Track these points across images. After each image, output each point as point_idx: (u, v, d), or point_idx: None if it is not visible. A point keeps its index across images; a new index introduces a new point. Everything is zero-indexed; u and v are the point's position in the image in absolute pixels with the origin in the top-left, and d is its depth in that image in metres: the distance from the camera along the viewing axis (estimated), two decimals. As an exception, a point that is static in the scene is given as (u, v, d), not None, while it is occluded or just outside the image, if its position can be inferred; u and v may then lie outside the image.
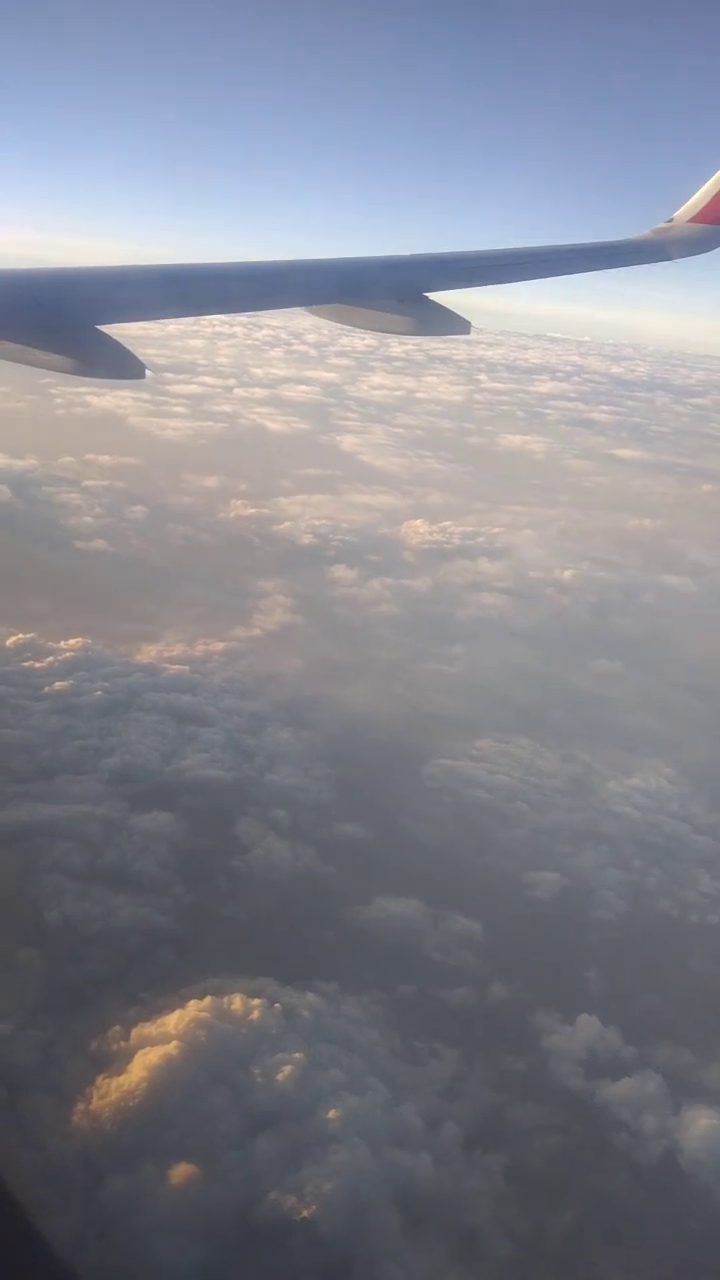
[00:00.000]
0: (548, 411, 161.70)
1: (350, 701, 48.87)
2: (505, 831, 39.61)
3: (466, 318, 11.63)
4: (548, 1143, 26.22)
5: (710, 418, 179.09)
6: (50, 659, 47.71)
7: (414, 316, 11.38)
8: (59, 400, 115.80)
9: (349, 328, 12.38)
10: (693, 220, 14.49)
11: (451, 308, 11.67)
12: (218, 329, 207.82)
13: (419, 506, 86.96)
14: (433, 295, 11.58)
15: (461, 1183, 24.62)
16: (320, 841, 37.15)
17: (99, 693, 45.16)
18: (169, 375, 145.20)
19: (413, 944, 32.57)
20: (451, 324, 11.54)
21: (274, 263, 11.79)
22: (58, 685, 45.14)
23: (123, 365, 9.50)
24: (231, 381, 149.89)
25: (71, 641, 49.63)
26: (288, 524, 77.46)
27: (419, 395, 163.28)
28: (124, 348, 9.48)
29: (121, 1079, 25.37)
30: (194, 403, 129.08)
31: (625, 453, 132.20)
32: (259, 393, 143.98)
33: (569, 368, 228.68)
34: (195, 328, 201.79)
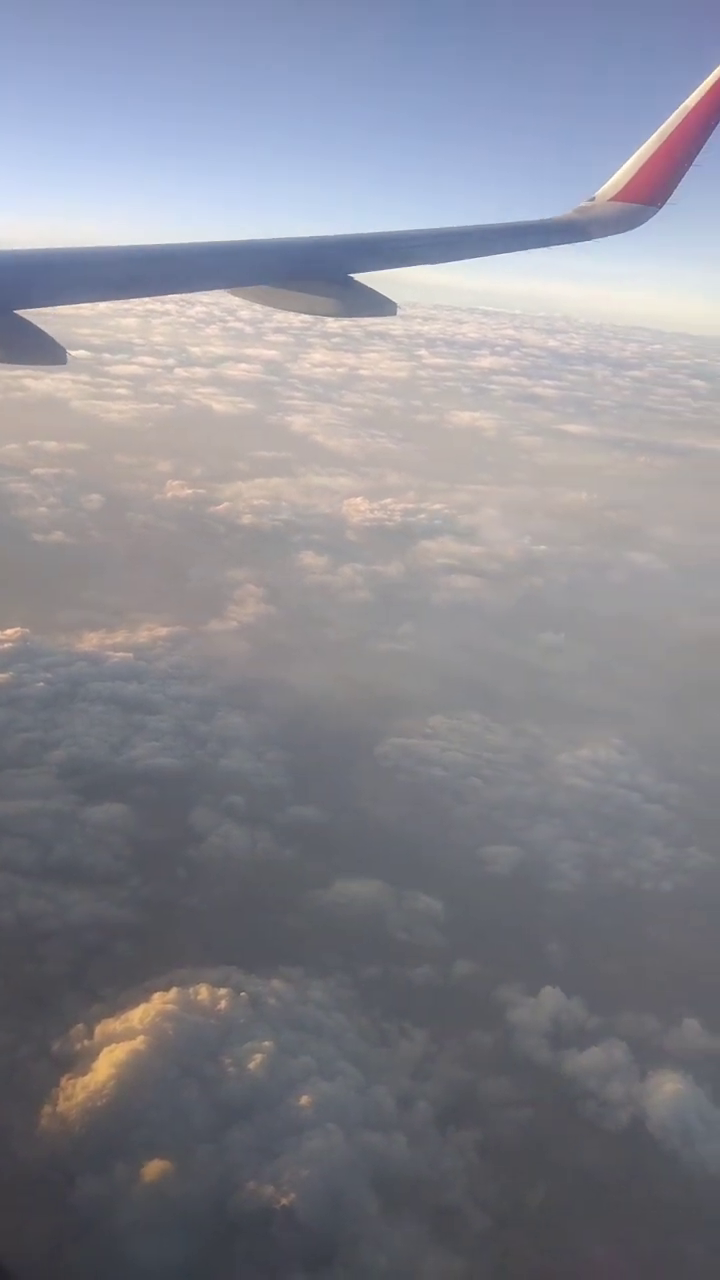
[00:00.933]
0: (492, 387, 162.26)
1: (300, 684, 48.50)
2: (461, 808, 39.73)
3: (396, 291, 11.54)
4: (518, 1116, 26.41)
5: (649, 390, 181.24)
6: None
7: (339, 298, 11.24)
8: None
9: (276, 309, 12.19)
10: (614, 199, 14.64)
11: (380, 282, 11.55)
12: (149, 306, 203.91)
13: (378, 488, 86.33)
14: (358, 276, 11.41)
15: (436, 1161, 24.69)
16: (277, 826, 36.85)
17: (40, 684, 44.14)
18: (107, 356, 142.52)
19: (375, 924, 32.51)
20: (378, 305, 11.41)
21: (197, 245, 11.49)
22: (-1, 677, 43.97)
23: (43, 352, 9.17)
24: (171, 361, 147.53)
25: (9, 631, 48.37)
26: (249, 509, 76.20)
27: (362, 372, 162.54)
28: (45, 334, 9.13)
29: (88, 1078, 24.87)
30: (136, 384, 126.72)
31: (573, 428, 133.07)
32: (200, 372, 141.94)
33: (507, 342, 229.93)
34: (126, 306, 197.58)
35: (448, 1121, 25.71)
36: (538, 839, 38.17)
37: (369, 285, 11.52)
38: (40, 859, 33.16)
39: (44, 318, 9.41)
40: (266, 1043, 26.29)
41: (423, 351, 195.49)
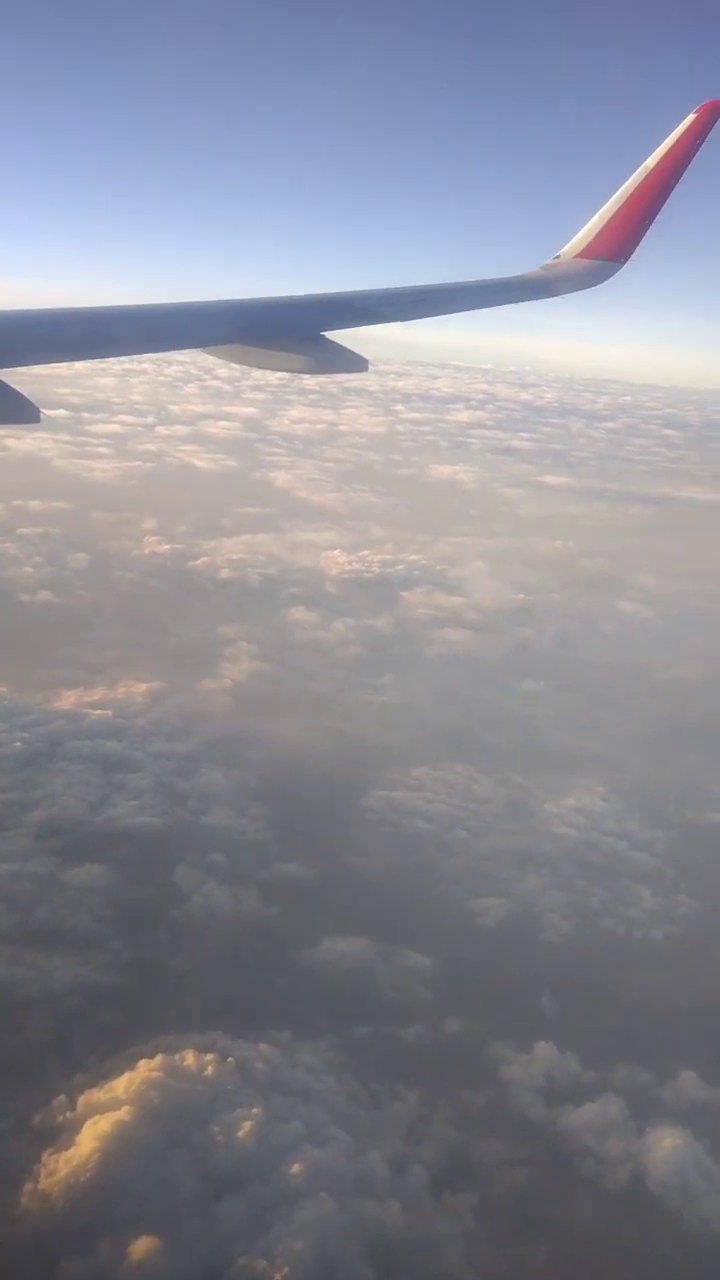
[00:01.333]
0: (470, 440, 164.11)
1: (281, 737, 48.19)
2: (448, 860, 39.32)
3: (367, 348, 11.70)
4: (515, 1177, 25.77)
5: (624, 441, 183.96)
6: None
7: (312, 356, 11.42)
8: None
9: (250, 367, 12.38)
10: (579, 256, 15.02)
11: (352, 339, 11.72)
12: (127, 366, 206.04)
13: (364, 541, 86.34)
14: (330, 334, 11.59)
15: (432, 1227, 23.98)
16: (262, 884, 36.28)
17: (18, 743, 43.57)
18: (86, 415, 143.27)
19: (364, 983, 31.91)
20: (350, 362, 11.59)
21: (170, 305, 11.63)
22: (-26, 739, 43.40)
23: (17, 411, 9.19)
24: (150, 419, 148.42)
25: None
26: (236, 565, 75.83)
27: (341, 428, 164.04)
28: (18, 393, 9.16)
29: (70, 1152, 24.05)
30: (117, 442, 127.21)
31: (552, 479, 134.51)
32: (181, 430, 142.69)
33: (481, 396, 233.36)
34: (103, 365, 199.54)
35: (443, 1186, 25.04)
36: (526, 890, 37.76)
37: (340, 343, 11.67)
38: (20, 923, 32.43)
39: (19, 377, 9.42)
40: (255, 1109, 25.60)
41: (399, 406, 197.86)
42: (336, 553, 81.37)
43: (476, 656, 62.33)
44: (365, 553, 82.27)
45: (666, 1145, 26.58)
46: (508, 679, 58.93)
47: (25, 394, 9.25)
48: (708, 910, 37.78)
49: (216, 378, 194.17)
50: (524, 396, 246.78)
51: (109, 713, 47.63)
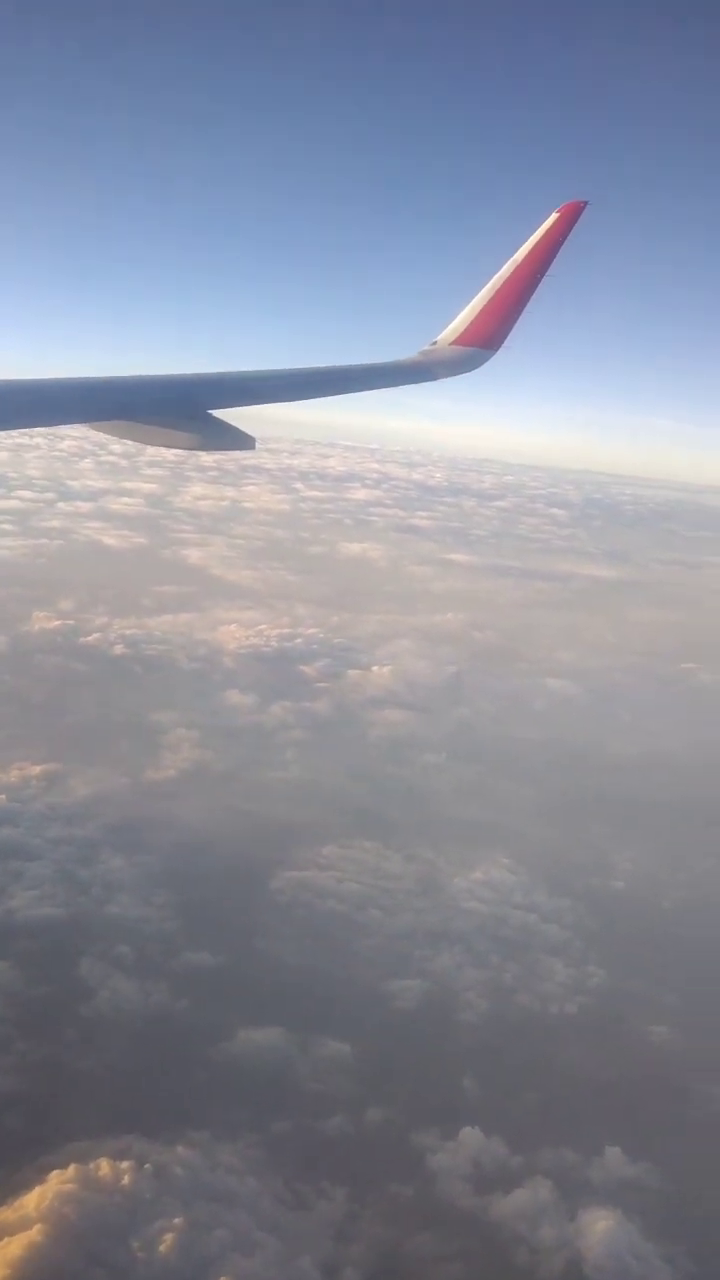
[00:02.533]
0: (372, 519, 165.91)
1: (184, 818, 46.96)
2: (362, 940, 38.75)
3: (253, 425, 11.86)
4: (450, 1272, 25.08)
5: (516, 520, 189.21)
6: None
7: (199, 433, 11.51)
8: None
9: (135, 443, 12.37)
10: (455, 343, 15.75)
11: (238, 417, 11.86)
12: (19, 440, 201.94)
13: (288, 621, 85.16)
14: (216, 412, 11.75)
15: (369, 1335, 22.99)
16: (171, 975, 34.94)
17: None
18: None
19: (282, 1075, 30.91)
20: (237, 440, 11.70)
21: (55, 380, 11.59)
22: None
23: None
24: (50, 495, 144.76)
25: None
26: (163, 647, 73.45)
27: (245, 505, 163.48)
28: None
29: (-22, 1282, 22.18)
30: (19, 519, 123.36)
31: (457, 557, 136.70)
32: (83, 506, 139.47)
33: (375, 475, 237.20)
34: None
35: (377, 1287, 24.09)
36: (441, 968, 37.46)
37: (227, 420, 11.79)
38: None
39: None
40: (177, 1219, 24.30)
41: (298, 485, 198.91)
42: (261, 631, 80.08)
43: (419, 738, 61.79)
44: (289, 631, 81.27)
45: (599, 1229, 26.32)
46: (409, 752, 59.22)
47: None
48: (616, 980, 38.21)
49: (111, 453, 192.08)
50: (415, 476, 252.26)
51: (2, 797, 45.57)
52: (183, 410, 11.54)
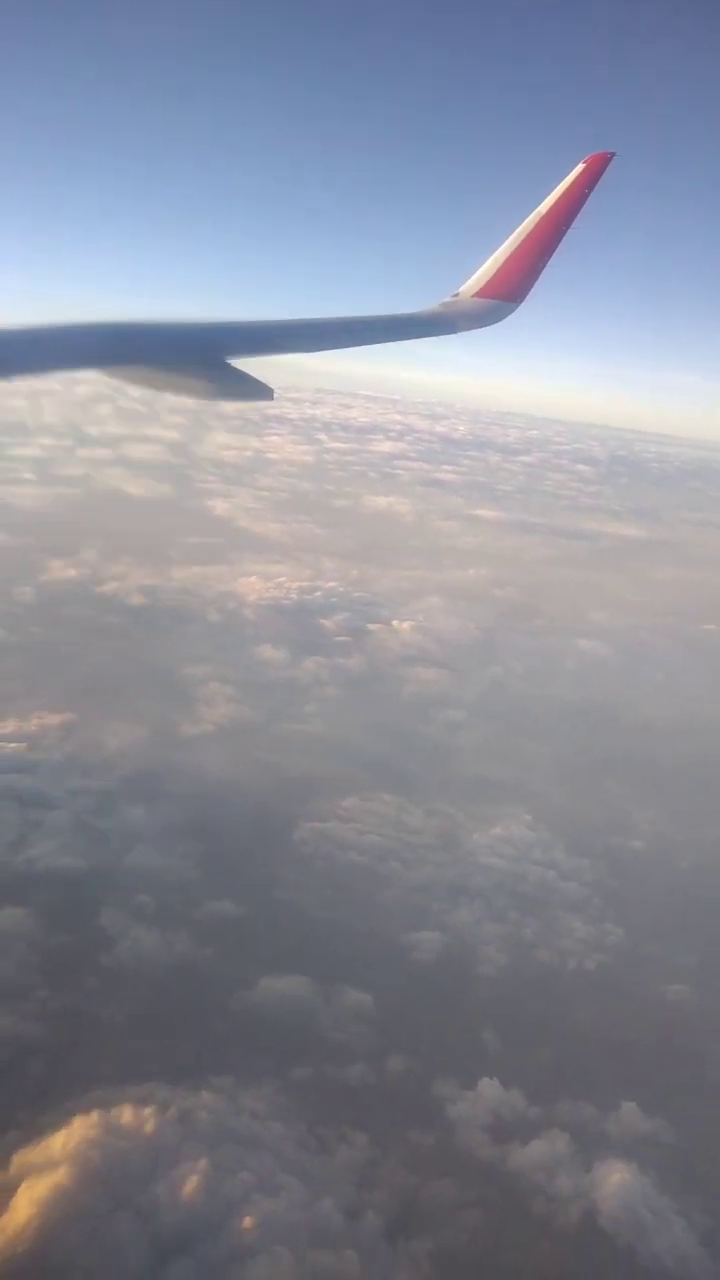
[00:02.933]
0: (398, 472, 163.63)
1: (204, 770, 47.03)
2: (382, 893, 38.85)
3: (270, 373, 11.48)
4: (469, 1219, 25.30)
5: (541, 475, 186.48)
6: None
7: (215, 382, 11.19)
8: None
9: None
10: (477, 295, 15.40)
11: (257, 367, 11.47)
12: (35, 385, 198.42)
13: (316, 574, 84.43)
14: (234, 361, 11.40)
15: (390, 1277, 23.28)
16: (193, 924, 35.11)
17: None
18: (3, 439, 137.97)
19: (304, 1024, 31.10)
20: (254, 390, 11.34)
21: (67, 324, 11.19)
22: None
23: None
24: (69, 442, 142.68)
25: None
26: (192, 599, 73.02)
27: (269, 455, 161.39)
28: None
29: (5, 1219, 22.58)
30: (38, 466, 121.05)
31: (484, 512, 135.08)
32: (103, 453, 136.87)
33: (398, 427, 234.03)
34: (10, 385, 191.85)
35: (397, 1232, 24.43)
36: (460, 922, 37.56)
37: (245, 370, 11.41)
38: (-64, 974, 30.52)
39: None
40: (201, 1162, 24.55)
41: (322, 435, 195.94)
42: (290, 585, 79.28)
43: (451, 697, 61.39)
44: (317, 585, 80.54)
45: (615, 1180, 26.52)
46: (464, 714, 59.02)
47: None
48: (635, 939, 38.26)
49: (130, 398, 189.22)
50: (439, 428, 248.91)
51: (22, 745, 45.69)
52: (200, 358, 11.24)
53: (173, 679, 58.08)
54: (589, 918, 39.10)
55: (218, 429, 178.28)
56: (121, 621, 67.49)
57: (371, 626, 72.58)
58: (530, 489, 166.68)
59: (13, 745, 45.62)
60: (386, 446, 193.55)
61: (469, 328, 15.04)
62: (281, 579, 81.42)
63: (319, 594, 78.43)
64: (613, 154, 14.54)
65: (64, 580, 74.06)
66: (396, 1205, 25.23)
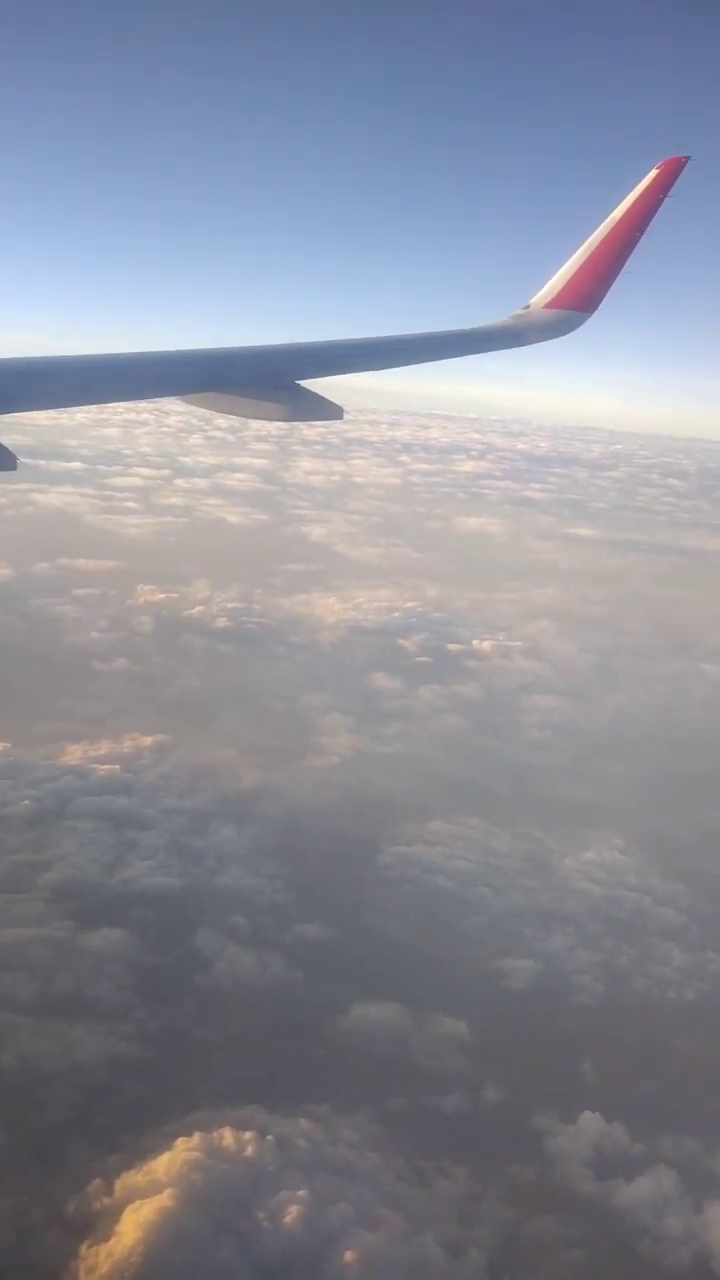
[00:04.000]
0: (485, 492, 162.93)
1: (290, 790, 47.28)
2: (471, 919, 38.44)
3: (342, 396, 11.85)
4: (573, 1258, 24.76)
5: (633, 491, 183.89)
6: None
7: (287, 404, 11.59)
8: (1, 500, 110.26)
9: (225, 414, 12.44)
10: (548, 306, 15.31)
11: (326, 388, 11.87)
12: (128, 416, 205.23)
13: (421, 600, 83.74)
14: (305, 382, 11.78)
15: (494, 1318, 22.87)
16: (285, 947, 35.21)
17: (26, 801, 42.31)
18: (102, 467, 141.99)
19: (398, 1051, 30.89)
20: (324, 410, 11.77)
21: (146, 353, 11.78)
22: (-20, 796, 42.14)
23: None
24: (166, 471, 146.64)
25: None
26: (303, 628, 73.19)
27: (356, 479, 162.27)
28: None
29: (112, 1244, 22.80)
30: (141, 496, 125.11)
31: (580, 531, 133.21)
32: (200, 483, 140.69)
33: (478, 446, 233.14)
34: (106, 416, 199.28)
35: (501, 1270, 23.99)
36: (554, 949, 36.94)
37: (315, 391, 11.82)
38: (40, 992, 31.18)
39: (5, 424, 9.51)
40: (301, 1191, 24.47)
41: (404, 457, 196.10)
42: (396, 610, 78.75)
43: (578, 726, 59.88)
44: (424, 608, 80.00)
45: (728, 1222, 25.64)
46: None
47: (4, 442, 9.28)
48: (736, 968, 37.11)
49: (218, 428, 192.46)
50: (519, 445, 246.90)
51: (116, 768, 46.52)
52: (272, 381, 11.62)
53: (303, 710, 58.04)
54: (687, 945, 38.09)
55: (303, 454, 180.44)
56: (232, 648, 68.03)
57: (481, 645, 71.55)
58: (623, 505, 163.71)
59: (106, 767, 46.45)
60: (470, 466, 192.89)
61: (540, 339, 15.02)
62: (383, 603, 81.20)
63: (424, 618, 77.55)
64: (687, 158, 14.32)
65: (173, 606, 75.03)
66: (499, 1242, 24.81)
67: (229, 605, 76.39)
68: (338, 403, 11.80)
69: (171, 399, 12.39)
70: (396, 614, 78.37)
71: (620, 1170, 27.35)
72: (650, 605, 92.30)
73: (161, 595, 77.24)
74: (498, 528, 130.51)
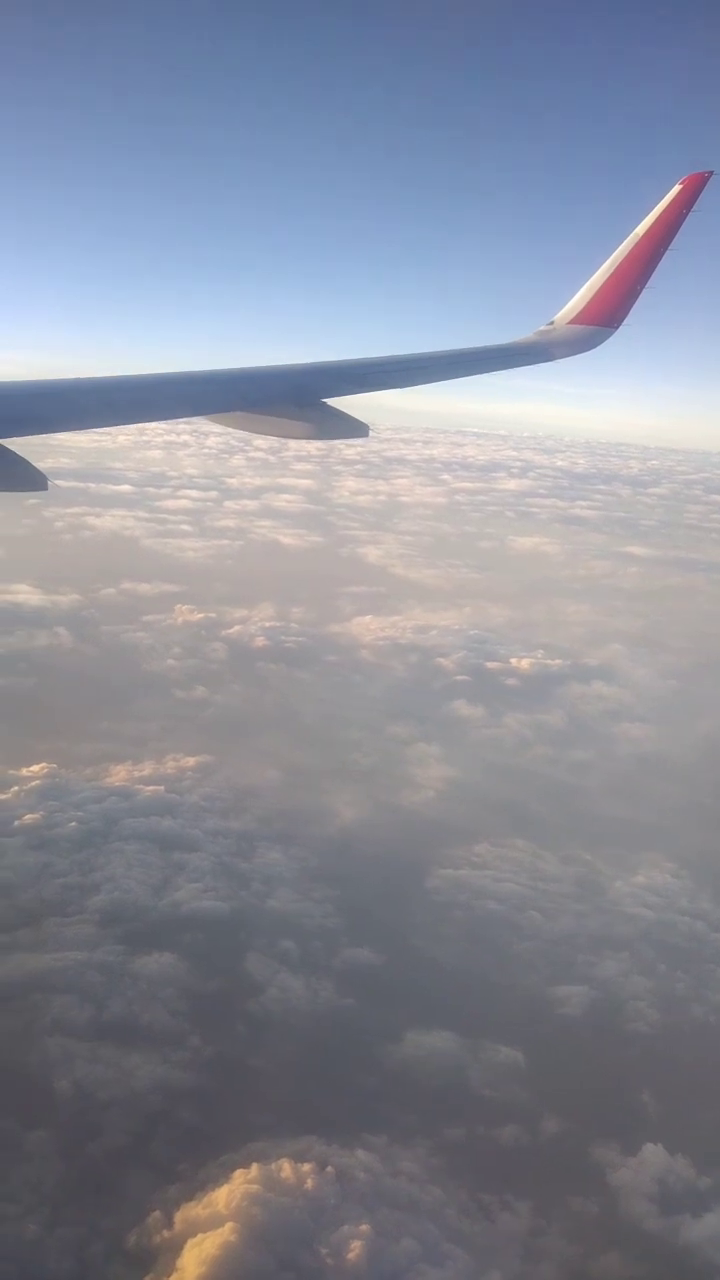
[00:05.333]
0: (532, 510, 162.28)
1: (335, 811, 47.05)
2: (522, 944, 37.92)
3: (370, 417, 12.00)
4: (642, 1298, 24.14)
5: (680, 507, 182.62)
6: (15, 788, 44.89)
7: (313, 422, 11.72)
8: (58, 524, 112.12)
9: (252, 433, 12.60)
10: (573, 322, 15.49)
11: (351, 407, 11.99)
12: (168, 438, 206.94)
13: (485, 623, 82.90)
14: (330, 401, 11.89)
15: None
16: (335, 972, 34.88)
17: (73, 823, 42.30)
18: (151, 490, 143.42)
19: (454, 1081, 30.43)
20: (350, 428, 11.93)
21: (173, 374, 11.91)
22: (27, 818, 42.20)
23: (25, 479, 9.34)
24: (214, 493, 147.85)
25: (35, 768, 47.05)
26: (374, 654, 72.34)
27: (402, 499, 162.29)
28: (25, 461, 9.32)
29: (174, 1279, 22.46)
30: (193, 518, 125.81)
31: (634, 550, 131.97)
32: (249, 504, 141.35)
33: (518, 464, 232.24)
34: (147, 438, 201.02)
35: (569, 1309, 23.41)
36: (607, 975, 36.33)
37: (340, 409, 11.94)
38: (94, 1018, 31.00)
39: (50, 448, 9.37)
40: (363, 1226, 24.07)
41: (446, 476, 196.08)
42: (465, 634, 77.85)
43: (668, 756, 58.09)
44: (491, 632, 79.15)
45: None
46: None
47: (35, 464, 9.45)
48: None
49: (258, 449, 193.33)
50: (559, 463, 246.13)
51: (160, 788, 46.48)
52: (298, 399, 11.76)
53: (392, 738, 57.55)
54: (743, 972, 37.34)
55: (345, 474, 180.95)
56: (306, 674, 67.56)
57: (552, 663, 70.56)
58: (673, 523, 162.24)
59: (151, 788, 46.43)
60: (513, 484, 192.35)
61: (565, 354, 15.16)
62: (448, 624, 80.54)
63: (493, 642, 76.51)
64: (711, 173, 14.34)
65: (243, 630, 74.83)
66: (565, 1279, 24.26)
67: (294, 628, 75.85)
68: (369, 422, 11.93)
69: (199, 419, 12.61)
70: (463, 635, 77.62)
71: (687, 1205, 26.73)
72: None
73: (236, 623, 76.20)
74: (552, 547, 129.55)
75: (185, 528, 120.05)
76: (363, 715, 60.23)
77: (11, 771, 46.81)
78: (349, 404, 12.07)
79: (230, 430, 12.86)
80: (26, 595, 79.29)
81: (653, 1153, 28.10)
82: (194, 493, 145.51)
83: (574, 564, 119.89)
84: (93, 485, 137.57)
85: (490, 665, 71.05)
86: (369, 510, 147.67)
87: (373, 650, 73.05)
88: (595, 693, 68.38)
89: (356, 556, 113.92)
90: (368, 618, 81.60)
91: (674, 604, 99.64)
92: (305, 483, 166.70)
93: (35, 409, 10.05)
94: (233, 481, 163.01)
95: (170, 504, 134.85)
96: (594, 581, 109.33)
